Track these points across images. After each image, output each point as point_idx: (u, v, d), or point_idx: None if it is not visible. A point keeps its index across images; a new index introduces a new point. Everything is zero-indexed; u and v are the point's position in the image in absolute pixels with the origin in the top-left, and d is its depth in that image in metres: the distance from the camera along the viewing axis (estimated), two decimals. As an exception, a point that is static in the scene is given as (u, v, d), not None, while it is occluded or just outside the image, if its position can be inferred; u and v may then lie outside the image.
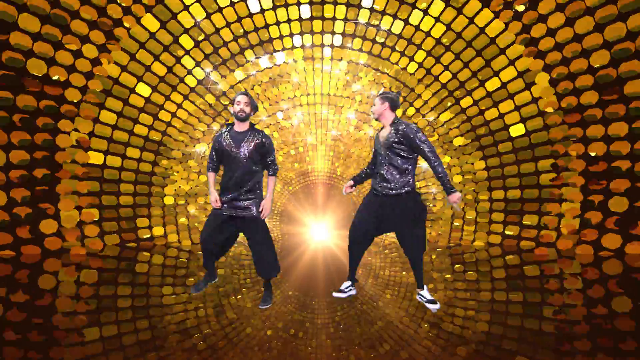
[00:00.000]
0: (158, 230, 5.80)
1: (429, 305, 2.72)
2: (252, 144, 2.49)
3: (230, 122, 2.71)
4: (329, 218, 11.43)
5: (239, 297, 3.05)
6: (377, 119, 2.65)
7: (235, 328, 2.41)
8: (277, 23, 5.59)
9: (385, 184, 2.55)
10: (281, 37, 5.75)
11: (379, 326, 2.45)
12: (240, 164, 2.49)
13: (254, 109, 2.53)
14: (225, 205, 2.58)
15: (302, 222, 10.95)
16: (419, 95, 6.04)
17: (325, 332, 2.36)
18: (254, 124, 2.62)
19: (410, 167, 2.55)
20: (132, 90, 5.38)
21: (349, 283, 2.91)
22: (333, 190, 10.18)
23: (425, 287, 2.81)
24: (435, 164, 2.45)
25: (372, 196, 2.68)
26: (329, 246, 6.63)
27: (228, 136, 2.52)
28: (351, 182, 2.83)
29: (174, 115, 5.82)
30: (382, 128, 2.68)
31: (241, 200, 2.54)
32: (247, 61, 5.90)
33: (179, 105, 5.83)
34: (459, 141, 5.96)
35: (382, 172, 2.55)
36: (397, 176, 2.53)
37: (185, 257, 5.14)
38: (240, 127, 2.54)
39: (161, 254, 5.27)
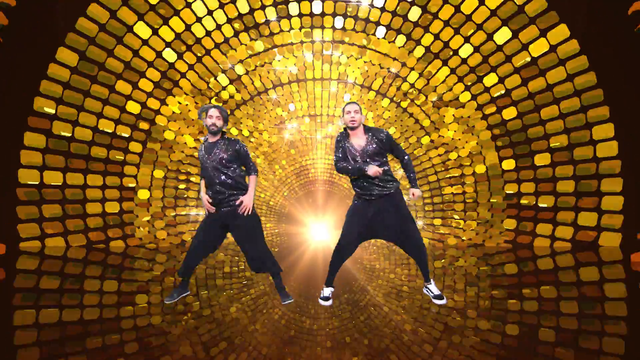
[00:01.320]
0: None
1: (436, 300, 2.71)
2: (223, 152, 2.58)
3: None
4: (329, 218, 11.05)
5: (230, 299, 2.93)
6: (354, 128, 2.59)
7: (234, 332, 2.31)
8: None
9: (379, 187, 2.56)
10: (273, 33, 5.09)
11: (384, 329, 2.37)
12: (214, 172, 2.58)
13: (225, 121, 2.63)
14: (215, 208, 2.66)
15: (302, 222, 10.78)
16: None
17: (327, 335, 2.27)
18: (225, 133, 2.68)
19: (388, 166, 2.65)
20: (86, 93, 4.69)
21: (331, 289, 2.85)
22: (333, 189, 9.78)
23: (432, 280, 2.80)
24: (407, 160, 2.66)
25: (362, 203, 2.63)
26: (329, 246, 6.02)
27: (203, 147, 2.64)
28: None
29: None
30: (346, 136, 2.64)
31: (227, 201, 2.62)
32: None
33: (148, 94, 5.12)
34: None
35: (372, 177, 2.54)
36: (387, 176, 2.58)
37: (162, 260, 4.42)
38: (213, 138, 2.63)
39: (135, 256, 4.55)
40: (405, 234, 2.62)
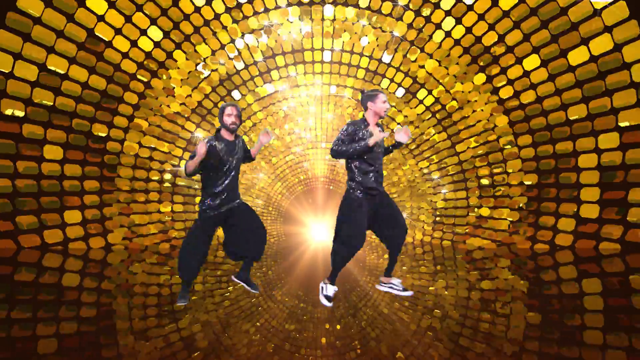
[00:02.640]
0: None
1: (402, 293, 2.68)
2: (242, 152, 2.64)
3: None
4: (329, 218, 10.86)
5: (224, 301, 2.81)
6: (383, 117, 2.58)
7: (230, 337, 2.14)
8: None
9: (380, 181, 2.58)
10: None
11: (384, 329, 2.26)
12: (234, 171, 2.59)
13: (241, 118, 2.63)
14: (216, 207, 2.59)
15: (302, 222, 10.63)
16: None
17: (328, 336, 2.19)
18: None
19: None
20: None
21: (335, 288, 2.69)
22: (334, 188, 9.26)
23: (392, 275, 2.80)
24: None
25: (365, 197, 2.54)
26: (329, 246, 5.47)
27: (222, 144, 2.55)
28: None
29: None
30: (365, 125, 2.54)
31: (232, 198, 2.60)
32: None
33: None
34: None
35: (379, 170, 2.57)
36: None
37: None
38: (230, 136, 2.60)
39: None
40: (398, 226, 2.60)
